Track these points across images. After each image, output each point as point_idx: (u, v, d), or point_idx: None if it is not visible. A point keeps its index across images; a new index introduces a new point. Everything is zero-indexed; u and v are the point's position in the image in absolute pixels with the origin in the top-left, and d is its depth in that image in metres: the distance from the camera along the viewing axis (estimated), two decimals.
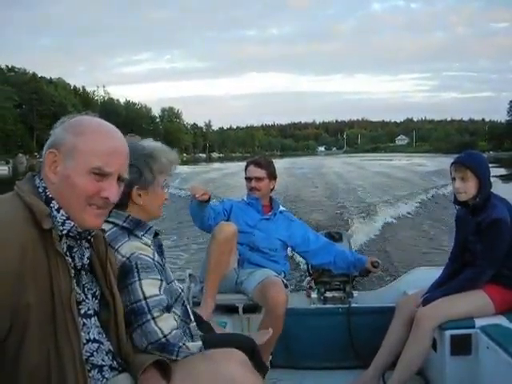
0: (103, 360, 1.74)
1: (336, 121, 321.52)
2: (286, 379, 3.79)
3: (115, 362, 1.79)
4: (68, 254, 1.66)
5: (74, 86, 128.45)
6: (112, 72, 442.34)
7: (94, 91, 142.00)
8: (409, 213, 17.17)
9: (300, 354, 3.93)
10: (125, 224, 2.22)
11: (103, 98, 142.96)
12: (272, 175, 4.14)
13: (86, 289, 1.74)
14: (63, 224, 1.62)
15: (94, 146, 1.62)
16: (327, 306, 4.23)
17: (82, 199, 1.62)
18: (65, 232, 1.63)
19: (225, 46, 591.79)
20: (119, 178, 1.70)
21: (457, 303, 3.31)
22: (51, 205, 1.61)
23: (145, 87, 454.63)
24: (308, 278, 4.70)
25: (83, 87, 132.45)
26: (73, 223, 1.63)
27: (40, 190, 1.62)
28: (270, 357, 3.61)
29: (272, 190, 4.21)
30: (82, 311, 1.70)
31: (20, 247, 1.47)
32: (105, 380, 1.73)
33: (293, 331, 3.78)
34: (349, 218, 15.20)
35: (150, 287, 2.06)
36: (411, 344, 3.30)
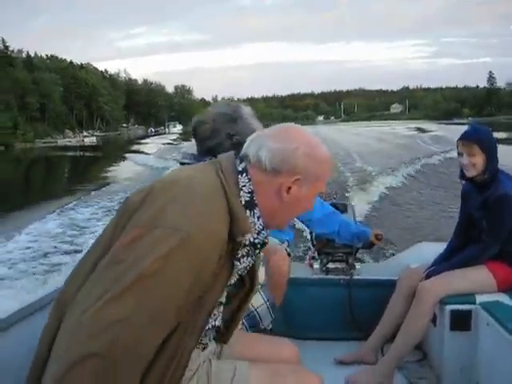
0: (209, 339, 1.83)
1: (334, 90, 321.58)
2: None
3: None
4: (240, 260, 1.67)
5: (103, 70, 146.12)
6: (110, 47, 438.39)
7: (118, 74, 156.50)
8: (409, 179, 17.19)
9: (300, 324, 3.94)
10: None
11: (125, 78, 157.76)
12: None
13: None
14: (259, 233, 1.65)
15: (326, 174, 1.72)
16: (329, 276, 4.23)
17: (298, 214, 1.78)
18: (257, 241, 1.66)
19: (223, 18, 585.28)
20: None
21: (459, 279, 3.31)
22: (255, 211, 1.62)
23: (143, 61, 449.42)
24: (311, 248, 4.70)
25: (105, 70, 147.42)
26: (266, 233, 1.67)
27: (245, 190, 1.61)
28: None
29: None
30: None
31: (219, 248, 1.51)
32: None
33: (294, 301, 3.79)
34: (350, 187, 15.24)
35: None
36: (411, 318, 3.30)
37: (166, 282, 1.39)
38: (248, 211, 1.60)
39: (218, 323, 1.79)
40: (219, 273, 1.55)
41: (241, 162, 1.65)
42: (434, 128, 60.96)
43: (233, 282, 1.72)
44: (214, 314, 1.74)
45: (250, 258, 1.70)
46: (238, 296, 1.85)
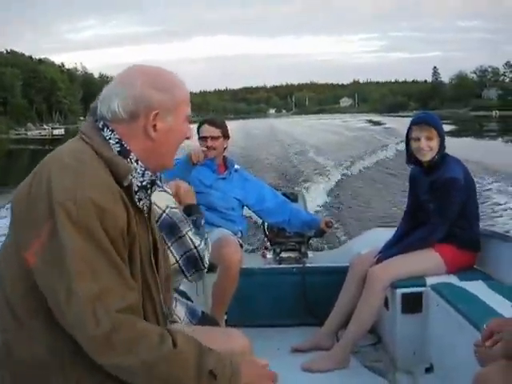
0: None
1: (286, 84, 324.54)
2: None
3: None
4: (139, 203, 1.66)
5: (60, 63, 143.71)
6: (57, 39, 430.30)
7: (76, 68, 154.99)
8: (361, 170, 17.43)
9: (255, 313, 3.94)
10: None
11: (81, 72, 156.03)
12: (226, 134, 4.09)
13: None
14: (143, 175, 1.65)
15: (184, 97, 1.70)
16: (282, 265, 4.25)
17: (179, 144, 1.73)
18: (144, 183, 1.66)
19: (174, 10, 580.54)
20: None
21: (408, 262, 3.36)
22: (130, 157, 1.62)
23: (92, 54, 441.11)
24: (264, 239, 4.71)
25: (62, 64, 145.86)
26: (150, 173, 1.67)
27: (113, 142, 1.60)
28: (225, 316, 3.61)
29: (225, 149, 4.16)
30: None
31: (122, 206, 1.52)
32: None
33: (248, 291, 3.79)
34: (303, 178, 15.34)
35: (195, 237, 2.39)
36: (363, 302, 3.34)
37: (95, 246, 1.42)
38: (124, 159, 1.60)
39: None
40: (131, 221, 1.54)
41: (99, 122, 1.63)
42: (382, 120, 62.20)
43: None
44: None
45: (145, 200, 1.70)
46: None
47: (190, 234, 2.39)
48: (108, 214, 1.44)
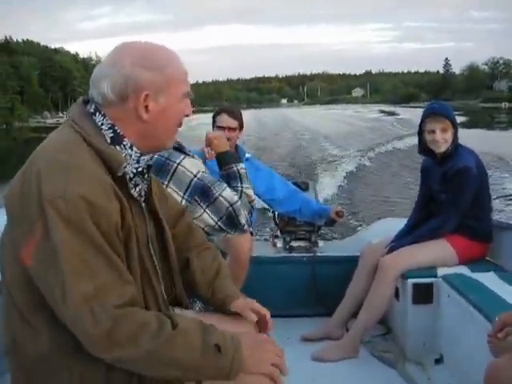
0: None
1: (298, 74, 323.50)
2: None
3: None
4: (134, 190, 1.62)
5: (75, 53, 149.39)
6: (71, 28, 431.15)
7: (90, 57, 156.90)
8: (374, 161, 17.36)
9: (264, 302, 3.88)
10: None
11: (96, 62, 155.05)
12: (242, 125, 4.05)
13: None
14: (138, 161, 1.60)
15: (176, 76, 1.61)
16: (292, 254, 4.23)
17: (177, 123, 1.66)
18: (140, 169, 1.61)
19: None
20: None
21: (420, 252, 3.33)
22: (124, 143, 1.56)
23: (106, 42, 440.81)
24: (274, 228, 4.70)
25: (76, 53, 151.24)
26: (146, 158, 1.63)
27: (105, 128, 1.54)
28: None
29: (238, 139, 4.13)
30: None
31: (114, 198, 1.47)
32: None
33: (258, 279, 3.77)
34: (316, 167, 15.32)
35: (230, 195, 2.47)
36: (374, 292, 3.32)
37: (87, 243, 1.38)
38: (118, 146, 1.55)
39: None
40: (125, 214, 1.50)
41: (90, 106, 1.57)
42: (395, 110, 61.99)
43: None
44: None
45: (142, 185, 1.66)
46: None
47: (224, 193, 2.46)
48: (100, 209, 1.39)
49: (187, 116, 1.68)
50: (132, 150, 1.58)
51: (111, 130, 1.55)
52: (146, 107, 1.55)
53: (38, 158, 1.46)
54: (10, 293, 1.51)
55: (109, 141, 1.54)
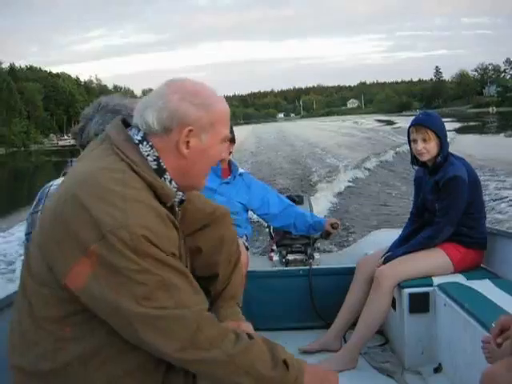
0: None
1: (294, 88, 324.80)
2: None
3: None
4: None
5: (75, 77, 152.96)
6: (65, 50, 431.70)
7: (91, 80, 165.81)
8: (369, 173, 17.39)
9: (262, 316, 3.91)
10: None
11: (97, 85, 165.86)
12: (233, 139, 4.09)
13: None
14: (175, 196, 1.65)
15: (221, 117, 1.64)
16: (288, 268, 4.24)
17: (212, 165, 1.68)
18: (176, 203, 1.66)
19: (177, 17, 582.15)
20: None
21: (415, 262, 3.34)
22: (165, 176, 1.59)
23: (100, 64, 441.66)
24: (270, 241, 4.70)
25: (77, 77, 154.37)
26: (182, 193, 1.67)
27: (151, 159, 1.57)
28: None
29: (230, 153, 4.16)
30: None
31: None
32: None
33: (255, 294, 3.78)
34: (314, 179, 15.35)
35: None
36: (371, 303, 3.33)
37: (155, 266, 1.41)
38: (165, 182, 1.59)
39: None
40: (180, 239, 1.58)
41: (138, 133, 1.59)
42: (389, 119, 62.35)
43: None
44: None
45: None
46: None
47: None
48: (162, 238, 1.43)
49: (221, 160, 1.74)
50: (171, 183, 1.62)
51: (155, 162, 1.57)
52: (188, 143, 1.57)
53: (84, 184, 1.46)
54: (30, 303, 1.51)
55: (154, 173, 1.57)
